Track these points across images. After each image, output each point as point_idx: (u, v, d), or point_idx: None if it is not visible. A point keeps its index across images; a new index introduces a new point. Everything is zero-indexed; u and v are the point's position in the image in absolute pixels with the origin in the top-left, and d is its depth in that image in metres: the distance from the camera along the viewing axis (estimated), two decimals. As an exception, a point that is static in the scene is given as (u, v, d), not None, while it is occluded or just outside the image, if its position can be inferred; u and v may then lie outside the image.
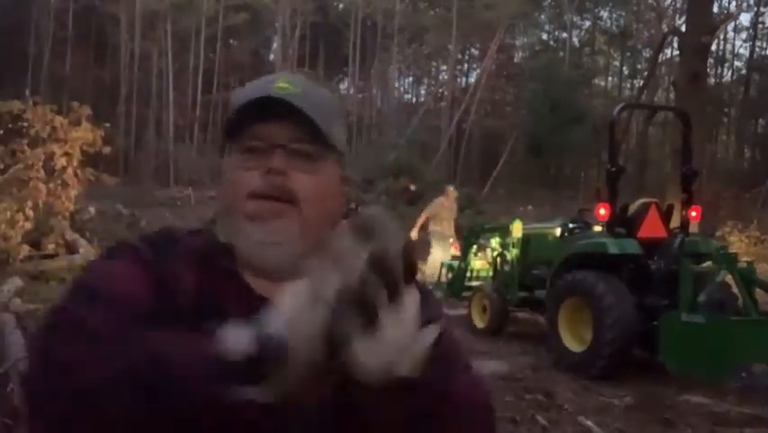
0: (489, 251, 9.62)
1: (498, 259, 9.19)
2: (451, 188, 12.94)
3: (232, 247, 1.06)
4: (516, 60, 48.69)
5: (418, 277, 0.88)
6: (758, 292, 6.80)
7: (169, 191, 31.11)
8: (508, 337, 8.73)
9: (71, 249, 11.51)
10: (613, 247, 7.09)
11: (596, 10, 46.33)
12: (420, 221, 12.15)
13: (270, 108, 1.02)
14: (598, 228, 7.82)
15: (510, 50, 48.64)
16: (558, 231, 8.38)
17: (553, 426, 5.42)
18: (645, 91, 25.94)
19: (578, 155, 36.65)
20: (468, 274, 9.91)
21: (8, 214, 9.89)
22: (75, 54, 40.27)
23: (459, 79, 49.19)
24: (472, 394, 1.04)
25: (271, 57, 50.87)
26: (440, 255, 11.51)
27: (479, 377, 1.11)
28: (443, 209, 12.29)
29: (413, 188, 21.87)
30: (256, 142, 1.04)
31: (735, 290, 6.68)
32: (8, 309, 7.49)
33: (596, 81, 44.78)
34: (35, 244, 10.71)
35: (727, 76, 43.91)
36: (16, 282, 8.95)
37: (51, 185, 10.63)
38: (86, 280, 1.01)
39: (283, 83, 1.05)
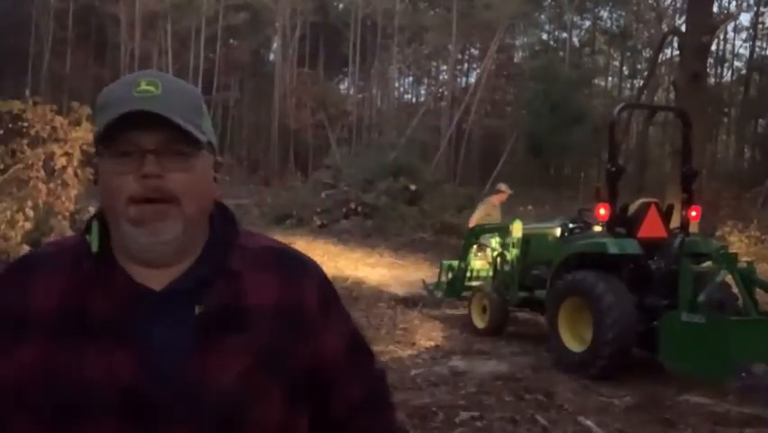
0: (489, 251, 9.62)
1: (498, 259, 9.18)
2: (503, 186, 12.08)
3: (103, 251, 1.13)
4: (516, 60, 48.70)
5: None
6: (758, 292, 6.80)
7: (169, 191, 31.01)
8: (508, 337, 8.73)
9: (71, 249, 11.48)
10: (613, 247, 7.09)
11: (596, 10, 46.34)
12: (477, 219, 11.18)
13: (137, 118, 1.06)
14: (598, 228, 7.82)
15: (510, 50, 48.64)
16: (558, 231, 8.38)
17: (553, 426, 5.42)
18: (645, 91, 25.89)
19: (578, 155, 36.66)
20: (468, 274, 9.90)
21: (8, 214, 9.88)
22: (75, 54, 40.29)
23: (459, 79, 49.25)
24: None
25: (271, 57, 50.91)
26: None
27: None
28: (494, 209, 11.88)
29: (413, 187, 21.83)
30: (127, 147, 1.08)
31: (735, 290, 6.68)
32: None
33: (596, 81, 44.80)
34: (35, 244, 10.70)
35: (727, 76, 43.99)
36: (16, 282, 8.94)
37: (51, 185, 10.62)
38: None
39: (145, 84, 1.09)
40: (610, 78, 48.59)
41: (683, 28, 18.93)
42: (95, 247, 1.14)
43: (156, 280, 1.11)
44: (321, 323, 1.19)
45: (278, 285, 1.17)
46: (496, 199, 11.76)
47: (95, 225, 1.16)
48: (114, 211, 1.09)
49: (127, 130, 1.07)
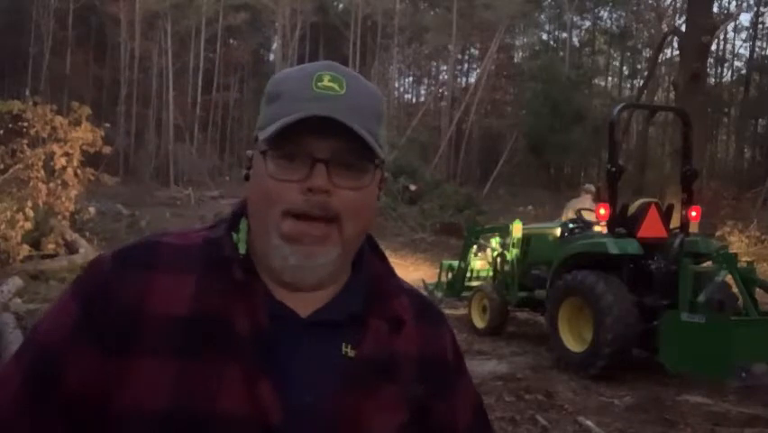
0: (489, 251, 9.62)
1: (498, 259, 9.19)
2: (588, 186, 11.53)
3: (248, 257, 0.97)
4: (516, 60, 48.70)
5: None
6: (758, 292, 6.81)
7: (169, 191, 31.12)
8: (508, 337, 8.73)
9: (71, 249, 11.51)
10: (613, 247, 7.10)
11: (596, 10, 46.32)
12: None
13: (315, 121, 0.90)
14: (597, 228, 7.82)
15: (510, 50, 48.65)
16: (558, 231, 8.39)
17: (553, 426, 5.42)
18: (645, 91, 25.93)
19: (578, 155, 36.64)
20: (468, 274, 9.90)
21: (8, 214, 9.89)
22: (75, 54, 40.25)
23: (459, 79, 49.21)
24: None
25: (271, 57, 50.90)
26: None
27: None
28: (588, 201, 11.55)
29: (413, 187, 21.85)
30: (295, 151, 0.92)
31: (735, 290, 6.69)
32: (8, 309, 7.50)
33: (596, 81, 44.77)
34: (35, 244, 10.71)
35: (727, 76, 43.97)
36: (16, 282, 8.96)
37: (51, 185, 10.63)
38: (32, 333, 0.99)
39: (328, 80, 0.94)
40: (610, 78, 48.59)
41: (683, 28, 18.94)
42: (242, 249, 0.97)
43: (298, 303, 0.96)
44: (456, 381, 1.09)
45: (423, 335, 1.05)
46: (577, 202, 11.69)
47: (244, 225, 0.99)
48: (265, 220, 0.93)
49: (299, 132, 0.90)
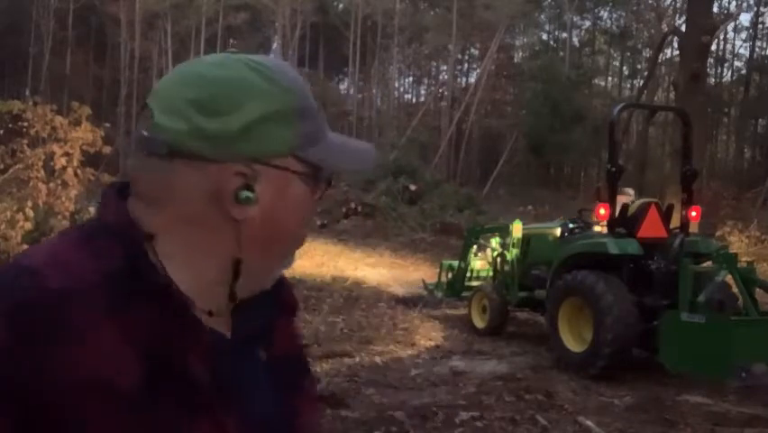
0: (489, 251, 9.62)
1: (498, 259, 9.19)
2: (626, 190, 11.97)
3: (169, 281, 0.81)
4: (516, 60, 48.70)
5: None
6: (758, 292, 6.81)
7: (169, 191, 31.08)
8: (508, 337, 8.73)
9: (71, 249, 11.49)
10: (613, 247, 7.10)
11: (596, 10, 46.32)
12: None
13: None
14: (598, 228, 7.83)
15: (510, 50, 48.65)
16: (558, 231, 8.39)
17: (553, 426, 5.42)
18: (645, 91, 25.91)
19: (578, 155, 36.65)
20: (468, 274, 9.90)
21: (8, 214, 9.88)
22: (75, 54, 40.28)
23: (459, 79, 49.20)
24: None
25: (271, 57, 50.93)
26: None
27: None
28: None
29: (413, 187, 21.84)
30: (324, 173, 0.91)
31: (735, 289, 6.69)
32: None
33: (596, 81, 44.77)
34: (35, 244, 10.71)
35: (727, 76, 43.99)
36: (16, 282, 8.93)
37: (51, 185, 10.63)
38: None
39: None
40: (610, 78, 48.60)
41: (683, 28, 18.95)
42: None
43: (215, 323, 0.86)
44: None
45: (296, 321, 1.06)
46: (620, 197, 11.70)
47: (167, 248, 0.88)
48: (289, 238, 0.89)
49: None
